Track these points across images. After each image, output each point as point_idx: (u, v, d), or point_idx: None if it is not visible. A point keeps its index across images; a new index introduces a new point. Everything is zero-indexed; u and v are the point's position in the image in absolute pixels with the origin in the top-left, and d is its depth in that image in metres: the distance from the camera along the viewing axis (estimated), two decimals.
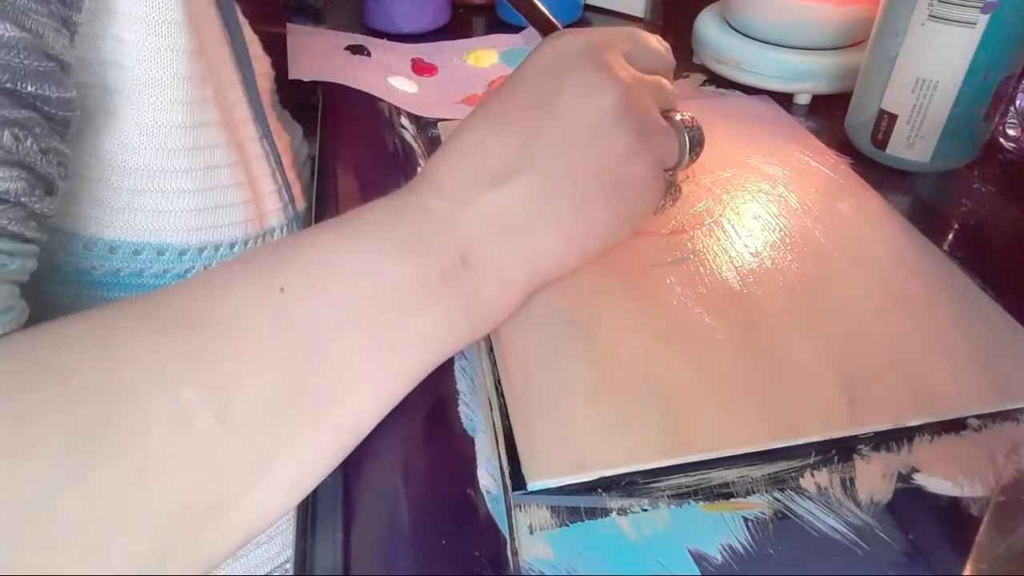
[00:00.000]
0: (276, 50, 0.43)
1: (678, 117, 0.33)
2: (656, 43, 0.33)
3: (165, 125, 0.29)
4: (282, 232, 0.37)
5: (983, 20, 0.36)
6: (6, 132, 0.21)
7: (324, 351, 0.22)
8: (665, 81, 0.33)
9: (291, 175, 0.39)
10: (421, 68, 0.55)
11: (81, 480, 0.18)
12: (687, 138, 0.33)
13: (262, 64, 0.41)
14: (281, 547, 0.41)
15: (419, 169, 0.31)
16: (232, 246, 0.33)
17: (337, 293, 0.23)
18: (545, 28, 0.37)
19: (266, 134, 0.36)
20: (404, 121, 0.47)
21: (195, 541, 0.20)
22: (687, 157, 0.33)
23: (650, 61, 0.33)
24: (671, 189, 0.35)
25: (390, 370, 0.24)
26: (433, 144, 0.45)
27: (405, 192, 0.27)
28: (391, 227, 0.25)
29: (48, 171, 0.23)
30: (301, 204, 0.40)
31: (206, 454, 0.20)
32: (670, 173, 0.34)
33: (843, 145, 0.44)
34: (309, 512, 0.25)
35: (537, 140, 0.27)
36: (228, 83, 0.34)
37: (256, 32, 0.40)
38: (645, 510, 0.24)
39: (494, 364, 0.30)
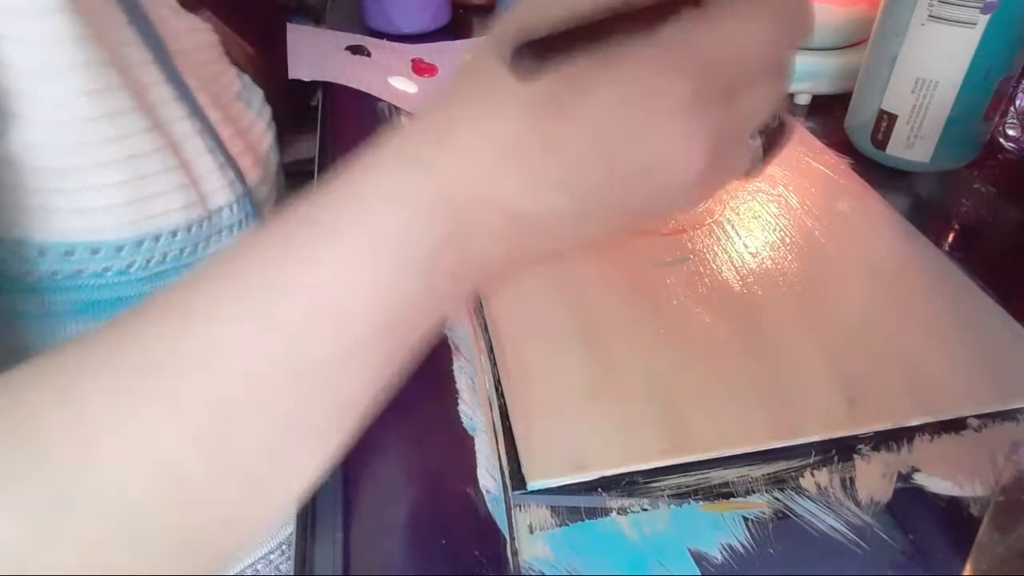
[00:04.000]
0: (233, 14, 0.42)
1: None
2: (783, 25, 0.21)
3: (71, 120, 0.28)
4: (231, 210, 0.34)
5: (983, 20, 0.36)
6: None
7: (332, 384, 0.19)
8: (773, 89, 0.24)
9: (236, 148, 0.36)
10: (421, 68, 0.55)
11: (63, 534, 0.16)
12: (761, 148, 0.25)
13: (196, 37, 0.38)
14: (265, 537, 0.41)
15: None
16: (174, 234, 0.32)
17: (345, 325, 0.19)
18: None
19: (195, 111, 0.33)
20: (404, 121, 0.47)
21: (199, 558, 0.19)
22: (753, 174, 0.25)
23: (767, 67, 0.22)
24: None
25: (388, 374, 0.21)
26: None
27: (416, 187, 0.20)
28: (408, 240, 0.19)
29: None
30: (254, 175, 0.37)
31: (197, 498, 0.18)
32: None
33: (843, 145, 0.44)
34: (309, 512, 0.25)
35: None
36: (138, 65, 0.31)
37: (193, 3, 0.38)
38: (645, 510, 0.24)
39: (494, 364, 0.30)
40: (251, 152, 0.38)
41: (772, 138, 0.25)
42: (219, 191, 0.34)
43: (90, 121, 0.28)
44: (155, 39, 0.32)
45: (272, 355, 0.18)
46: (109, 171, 0.29)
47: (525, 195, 0.20)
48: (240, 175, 0.36)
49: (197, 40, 0.38)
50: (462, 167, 0.19)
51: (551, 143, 0.19)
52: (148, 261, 0.31)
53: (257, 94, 0.42)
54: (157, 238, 0.31)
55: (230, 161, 0.35)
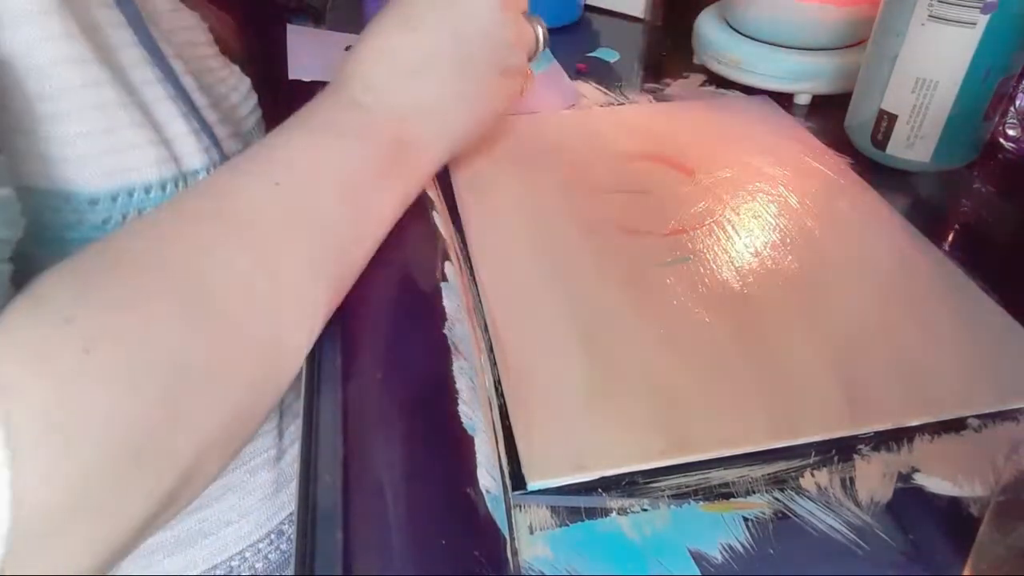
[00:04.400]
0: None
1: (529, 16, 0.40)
2: None
3: (33, 66, 0.28)
4: (206, 174, 0.35)
5: (983, 20, 0.36)
6: None
7: (327, 231, 0.28)
8: None
9: (213, 116, 0.37)
10: None
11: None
12: (541, 32, 0.40)
13: (178, 19, 0.39)
14: (254, 526, 0.41)
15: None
16: (147, 190, 0.32)
17: (323, 182, 0.29)
18: None
19: (168, 76, 0.34)
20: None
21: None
22: (541, 48, 0.41)
23: None
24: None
25: (371, 234, 0.31)
26: None
27: (337, 91, 0.34)
28: (342, 121, 0.32)
29: None
30: (232, 145, 0.39)
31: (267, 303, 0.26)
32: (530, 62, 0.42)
33: (843, 145, 0.44)
34: (309, 512, 0.25)
35: (442, 37, 0.34)
36: (108, 24, 0.32)
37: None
38: (645, 510, 0.24)
39: (494, 364, 0.30)
40: (229, 123, 0.39)
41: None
42: (193, 154, 0.34)
43: (52, 66, 0.28)
44: (127, 2, 0.33)
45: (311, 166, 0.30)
46: (78, 120, 0.29)
47: (403, 81, 0.34)
48: (216, 142, 0.36)
49: (179, 21, 0.39)
50: (366, 74, 0.34)
51: (460, 61, 0.35)
52: (124, 216, 0.31)
53: (245, 82, 0.43)
54: (131, 193, 0.31)
55: (206, 128, 0.36)
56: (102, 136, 0.30)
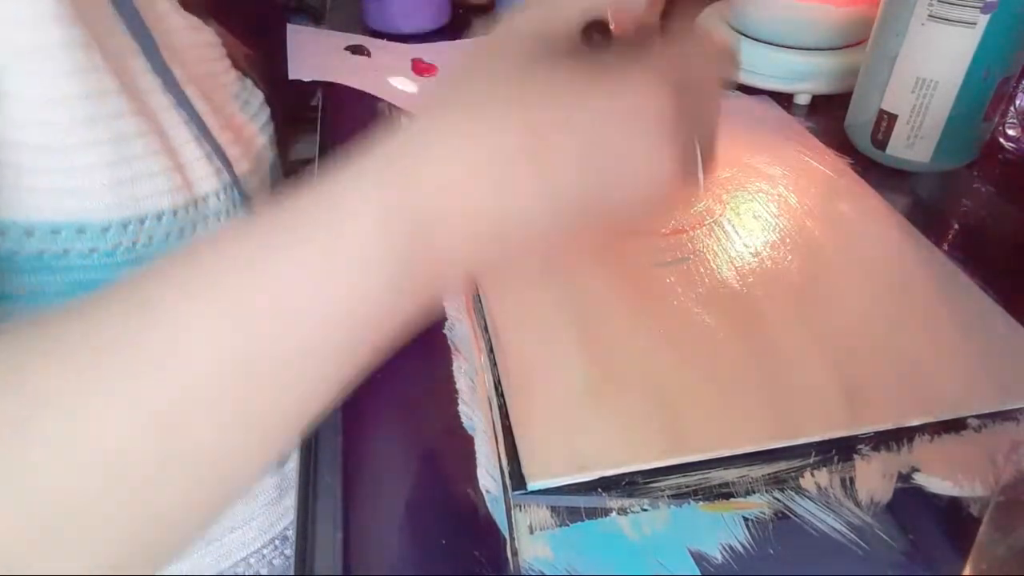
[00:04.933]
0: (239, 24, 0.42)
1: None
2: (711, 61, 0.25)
3: (52, 98, 0.28)
4: (218, 198, 0.35)
5: (983, 20, 0.36)
6: None
7: (286, 381, 0.20)
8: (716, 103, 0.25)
9: (226, 137, 0.36)
10: (421, 68, 0.55)
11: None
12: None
13: (189, 35, 0.38)
14: (258, 531, 0.41)
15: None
16: (159, 217, 0.32)
17: (303, 320, 0.20)
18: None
19: (182, 102, 0.34)
20: (404, 121, 0.47)
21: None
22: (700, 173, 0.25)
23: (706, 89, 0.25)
24: None
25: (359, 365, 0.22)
26: None
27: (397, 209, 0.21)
28: (380, 259, 0.21)
29: None
30: (243, 166, 0.38)
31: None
32: None
33: (843, 145, 0.44)
34: (309, 512, 0.25)
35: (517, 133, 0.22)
36: (125, 53, 0.32)
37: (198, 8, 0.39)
38: (645, 510, 0.24)
39: (494, 364, 0.30)
40: (241, 143, 0.39)
41: (706, 152, 0.26)
42: (205, 178, 0.35)
43: (75, 99, 0.28)
44: (142, 30, 0.33)
45: (230, 350, 0.19)
46: (94, 151, 0.29)
47: (500, 201, 0.22)
48: (228, 164, 0.36)
49: (195, 38, 0.38)
50: (432, 179, 0.21)
51: (537, 154, 0.21)
52: (134, 243, 0.31)
53: (258, 96, 0.43)
54: (143, 220, 0.31)
55: (217, 150, 0.36)
56: (120, 165, 0.30)
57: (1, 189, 0.28)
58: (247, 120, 0.41)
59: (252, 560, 0.41)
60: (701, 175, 0.26)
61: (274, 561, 0.42)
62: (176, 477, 0.19)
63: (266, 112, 0.43)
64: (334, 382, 0.21)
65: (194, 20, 0.39)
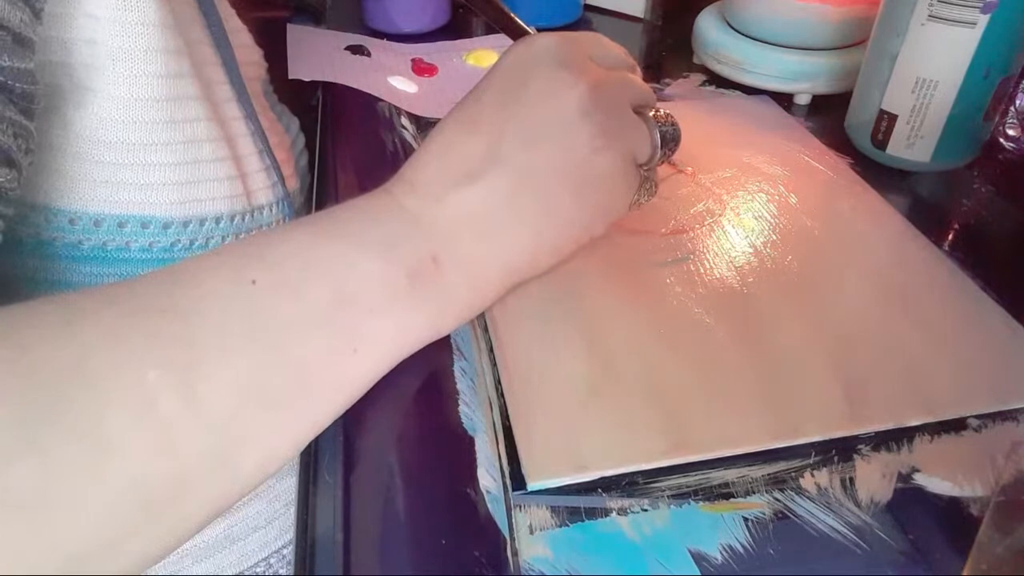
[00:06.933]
0: (272, 40, 0.44)
1: (651, 113, 0.32)
2: (615, 47, 0.33)
3: (141, 98, 0.30)
4: (271, 210, 0.37)
5: (983, 20, 0.36)
6: None
7: (289, 347, 0.22)
8: (634, 76, 0.33)
9: (280, 155, 0.39)
10: (421, 68, 0.55)
11: (33, 451, 0.17)
12: (659, 133, 0.32)
13: (249, 53, 0.41)
14: (279, 531, 0.41)
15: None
16: (218, 220, 0.33)
17: (305, 290, 0.23)
18: (515, 33, 0.37)
19: (250, 115, 0.36)
20: (404, 121, 0.47)
21: (152, 523, 0.19)
22: (660, 152, 0.32)
23: (612, 61, 0.32)
24: (646, 184, 0.33)
25: (352, 371, 0.24)
26: None
27: (380, 192, 0.28)
28: (363, 226, 0.26)
29: (4, 142, 0.23)
30: (292, 184, 0.40)
31: (169, 437, 0.19)
32: (645, 168, 0.33)
33: (843, 145, 0.44)
34: (309, 512, 0.25)
35: (503, 138, 0.28)
36: (208, 63, 0.34)
37: (245, 21, 0.40)
38: (645, 510, 0.24)
39: (494, 364, 0.30)
40: (289, 163, 0.41)
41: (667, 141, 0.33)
42: (263, 190, 0.36)
43: (156, 102, 0.30)
44: (224, 42, 0.35)
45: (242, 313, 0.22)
46: (167, 151, 0.31)
47: (453, 184, 0.27)
48: (282, 179, 0.38)
49: (254, 56, 0.41)
50: (415, 175, 0.28)
51: (461, 143, 0.28)
52: (192, 242, 0.33)
53: (295, 121, 0.45)
54: (202, 222, 0.33)
55: (275, 165, 0.38)
56: (188, 167, 0.32)
57: (77, 181, 0.30)
58: (291, 142, 0.43)
59: (272, 560, 0.42)
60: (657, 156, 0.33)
61: (281, 570, 0.43)
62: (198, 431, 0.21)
63: (302, 139, 0.45)
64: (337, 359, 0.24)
65: (248, 37, 0.41)
